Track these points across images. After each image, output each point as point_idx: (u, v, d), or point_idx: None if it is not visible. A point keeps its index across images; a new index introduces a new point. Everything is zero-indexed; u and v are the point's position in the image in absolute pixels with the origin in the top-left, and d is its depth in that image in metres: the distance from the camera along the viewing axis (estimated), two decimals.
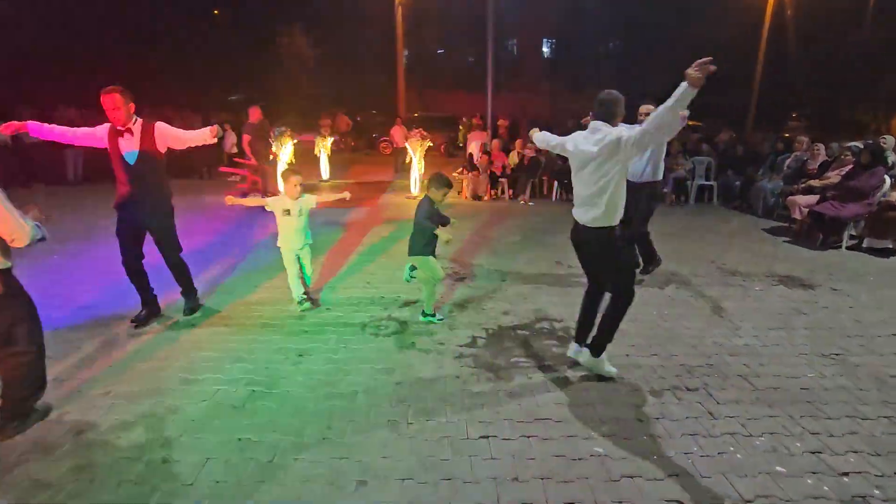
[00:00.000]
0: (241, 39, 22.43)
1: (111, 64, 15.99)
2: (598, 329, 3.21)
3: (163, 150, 3.60)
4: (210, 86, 21.23)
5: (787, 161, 8.53)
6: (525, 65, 26.76)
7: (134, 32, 19.22)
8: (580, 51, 27.24)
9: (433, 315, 4.02)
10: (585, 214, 3.05)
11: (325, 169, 11.72)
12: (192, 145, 3.70)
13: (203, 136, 3.66)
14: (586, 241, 3.14)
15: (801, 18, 20.52)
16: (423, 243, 3.81)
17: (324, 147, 11.51)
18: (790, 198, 7.27)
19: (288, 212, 4.02)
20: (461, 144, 14.49)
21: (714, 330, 3.94)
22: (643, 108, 4.57)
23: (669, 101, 2.49)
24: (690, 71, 2.38)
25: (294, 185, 4.00)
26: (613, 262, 3.14)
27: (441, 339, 3.75)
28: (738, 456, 2.48)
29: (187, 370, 3.23)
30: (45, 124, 3.41)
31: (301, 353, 3.49)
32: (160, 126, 3.57)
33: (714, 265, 5.63)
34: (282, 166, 9.53)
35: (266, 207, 4.06)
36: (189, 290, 4.10)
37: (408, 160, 9.81)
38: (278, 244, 4.12)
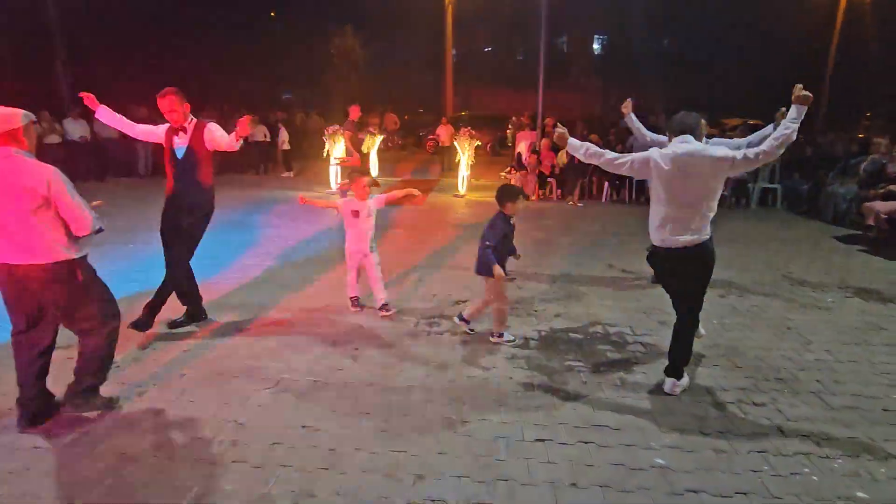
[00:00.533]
0: (295, 40, 23.15)
1: (169, 63, 16.92)
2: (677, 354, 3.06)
3: (210, 149, 3.60)
4: (264, 85, 22.05)
5: (863, 164, 7.98)
6: (575, 61, 26.22)
7: (192, 32, 20.12)
8: (633, 47, 26.44)
9: (501, 335, 3.67)
10: (682, 236, 2.84)
11: (374, 167, 11.92)
12: (225, 150, 3.67)
13: (229, 142, 3.58)
14: (686, 262, 2.90)
15: (877, 10, 19.09)
16: (486, 262, 3.47)
17: (372, 145, 11.72)
18: (867, 204, 6.80)
19: (357, 213, 3.97)
20: (510, 143, 14.37)
21: (781, 343, 3.75)
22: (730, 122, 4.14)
23: (793, 125, 2.63)
24: (802, 93, 2.65)
25: (363, 185, 3.96)
26: (705, 280, 2.99)
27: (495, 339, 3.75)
28: (814, 478, 2.36)
29: (252, 357, 3.38)
30: (115, 113, 3.61)
31: (356, 347, 3.58)
32: (210, 127, 3.60)
33: (779, 274, 5.35)
34: (334, 164, 9.81)
35: (337, 210, 4.06)
36: (157, 307, 3.65)
37: (456, 159, 9.84)
38: (346, 246, 4.11)
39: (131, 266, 5.24)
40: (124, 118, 3.66)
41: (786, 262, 5.76)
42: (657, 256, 3.04)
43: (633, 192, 9.61)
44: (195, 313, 3.90)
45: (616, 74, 25.58)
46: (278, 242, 6.34)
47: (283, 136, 12.73)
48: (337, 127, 9.80)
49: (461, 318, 3.78)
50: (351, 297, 4.22)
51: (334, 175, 9.88)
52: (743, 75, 23.21)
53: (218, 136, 3.60)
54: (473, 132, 9.56)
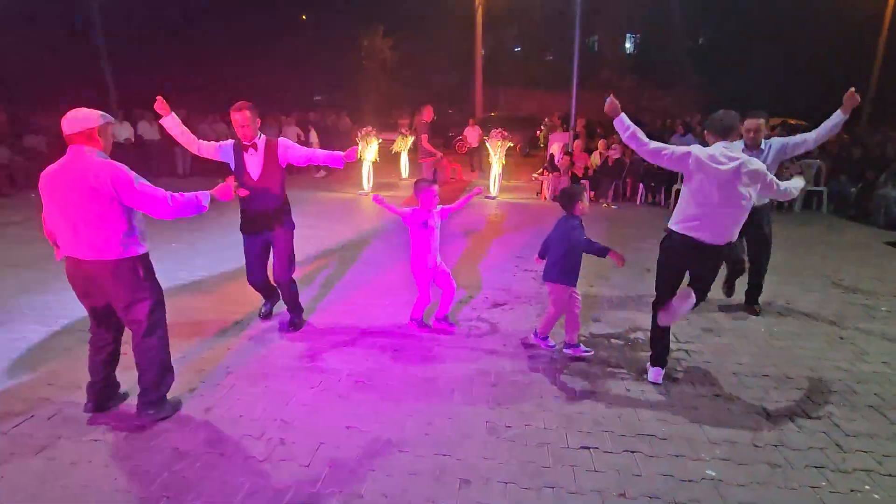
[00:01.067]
0: (325, 42, 23.52)
1: (203, 69, 17.43)
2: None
3: (284, 165, 3.63)
4: (296, 87, 22.46)
5: None
6: (606, 61, 25.80)
7: (224, 37, 20.62)
8: (666, 46, 25.84)
9: (577, 345, 3.52)
10: (722, 236, 2.93)
11: (404, 167, 12.01)
12: (319, 163, 3.74)
13: (333, 160, 3.65)
14: (713, 257, 3.03)
15: None
16: (569, 269, 3.41)
17: (404, 146, 11.80)
18: None
19: (426, 225, 3.64)
20: (542, 145, 14.26)
21: (834, 353, 3.61)
22: (751, 123, 3.86)
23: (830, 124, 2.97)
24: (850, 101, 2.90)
25: (434, 195, 3.63)
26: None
27: (533, 344, 3.72)
28: (876, 496, 2.26)
29: (294, 358, 3.44)
30: (182, 125, 3.59)
31: (396, 348, 3.61)
32: (283, 142, 3.61)
33: (829, 281, 5.14)
34: (367, 166, 9.91)
35: (404, 221, 3.68)
36: (296, 309, 3.90)
37: (489, 160, 9.81)
38: (411, 262, 3.77)
39: (175, 265, 5.40)
40: (188, 132, 3.62)
41: (835, 269, 5.53)
42: (680, 244, 3.02)
43: (669, 195, 9.40)
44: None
45: (649, 74, 25.06)
46: (315, 243, 6.43)
47: (313, 137, 12.93)
48: (370, 128, 9.90)
49: (538, 336, 3.64)
50: (415, 318, 3.91)
51: (366, 175, 9.97)
52: (782, 73, 22.41)
53: (299, 153, 3.62)
54: (506, 133, 9.50)
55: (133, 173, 2.49)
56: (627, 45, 29.02)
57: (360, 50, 22.92)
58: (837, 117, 3.68)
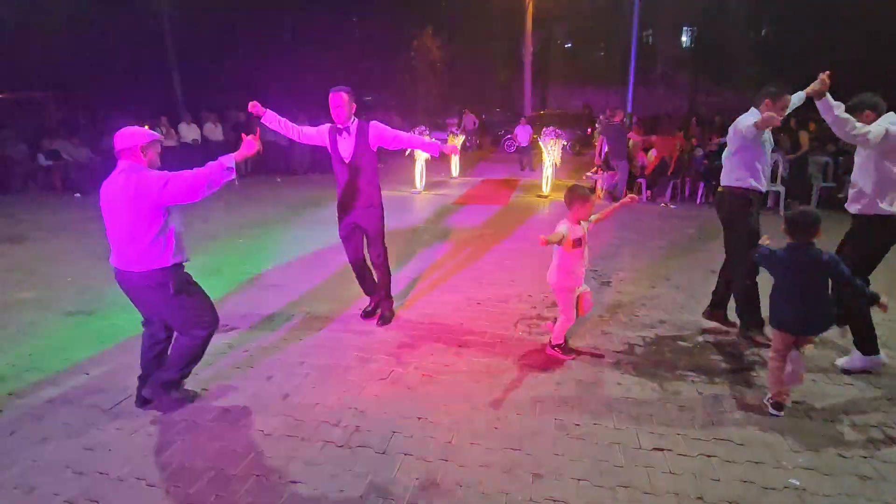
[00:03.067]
0: (375, 43, 23.95)
1: (260, 72, 18.15)
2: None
3: (375, 148, 3.70)
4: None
5: None
6: (661, 56, 24.96)
7: (280, 42, 21.39)
8: (724, 39, 24.67)
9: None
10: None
11: (454, 166, 12.10)
12: (414, 148, 3.82)
13: (429, 147, 3.82)
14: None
15: None
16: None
17: (455, 145, 11.89)
18: None
19: (579, 241, 3.24)
20: (596, 142, 13.97)
21: None
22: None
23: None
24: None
25: (591, 207, 3.30)
26: None
27: (596, 343, 3.70)
28: None
29: (364, 350, 3.57)
30: (280, 117, 3.65)
31: (461, 344, 3.67)
32: (375, 125, 3.68)
33: None
34: (420, 164, 10.05)
35: (560, 243, 3.19)
36: (387, 297, 4.01)
37: (541, 158, 9.73)
38: (555, 282, 3.34)
39: (241, 259, 5.68)
40: (288, 122, 3.71)
41: None
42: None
43: None
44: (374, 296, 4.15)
45: (706, 68, 24.03)
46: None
47: None
48: (423, 128, 10.03)
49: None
50: (558, 344, 3.44)
51: (419, 174, 10.11)
52: (849, 67, 20.85)
53: (391, 134, 3.71)
54: (559, 132, 9.40)
55: (160, 172, 2.60)
56: (684, 38, 27.92)
57: (411, 50, 23.19)
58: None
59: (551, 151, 9.43)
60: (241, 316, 4.14)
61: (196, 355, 2.86)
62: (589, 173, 10.24)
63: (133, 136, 2.60)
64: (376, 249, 3.90)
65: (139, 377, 2.91)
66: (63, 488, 2.30)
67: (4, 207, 8.73)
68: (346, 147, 3.64)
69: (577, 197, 3.25)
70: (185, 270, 2.78)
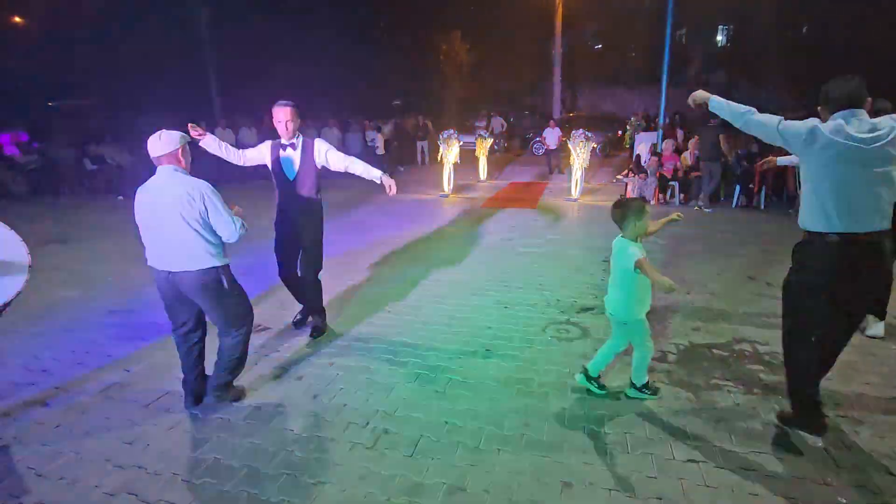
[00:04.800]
0: (403, 47, 24.17)
1: (293, 77, 18.56)
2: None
3: (319, 166, 3.63)
4: (375, 92, 23.28)
5: None
6: (696, 55, 24.31)
7: (310, 46, 21.76)
8: (762, 37, 23.83)
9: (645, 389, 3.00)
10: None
11: (482, 170, 12.08)
12: (354, 173, 3.70)
13: (369, 174, 3.70)
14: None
15: None
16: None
17: (483, 149, 11.87)
18: None
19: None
20: (628, 145, 13.73)
21: None
22: None
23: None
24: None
25: (660, 225, 3.06)
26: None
27: (627, 350, 3.60)
28: None
29: (391, 353, 3.59)
30: (221, 142, 3.55)
31: (488, 348, 3.65)
32: (320, 142, 3.62)
33: None
34: (448, 168, 10.08)
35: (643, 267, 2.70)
36: (317, 310, 3.93)
37: (570, 160, 9.61)
38: (636, 315, 2.96)
39: (272, 261, 5.79)
40: (229, 146, 3.61)
41: None
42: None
43: (768, 198, 8.72)
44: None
45: (742, 68, 23.27)
46: (400, 243, 6.65)
47: (378, 141, 13.26)
48: (452, 131, 10.05)
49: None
50: (644, 386, 3.04)
51: (447, 177, 10.12)
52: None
53: (335, 156, 3.62)
54: (589, 134, 9.26)
55: (218, 195, 2.69)
56: (719, 37, 27.15)
57: (439, 54, 23.32)
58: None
59: (581, 154, 9.30)
60: (272, 317, 4.22)
61: (243, 354, 2.96)
62: (619, 176, 10.06)
63: (173, 140, 2.65)
64: (312, 265, 3.80)
65: (184, 381, 2.97)
66: (104, 481, 2.38)
67: (53, 210, 9.17)
68: (290, 164, 3.54)
69: (642, 215, 2.82)
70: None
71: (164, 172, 2.65)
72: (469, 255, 6.02)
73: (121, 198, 10.01)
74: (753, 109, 2.52)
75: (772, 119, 2.46)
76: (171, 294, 2.76)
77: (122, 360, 3.54)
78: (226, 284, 2.76)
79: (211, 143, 3.52)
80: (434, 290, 4.84)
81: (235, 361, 2.94)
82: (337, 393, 3.10)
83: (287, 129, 3.45)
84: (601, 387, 3.06)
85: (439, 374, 3.28)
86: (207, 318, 2.92)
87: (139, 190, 2.69)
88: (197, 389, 2.97)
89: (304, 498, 2.26)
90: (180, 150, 2.68)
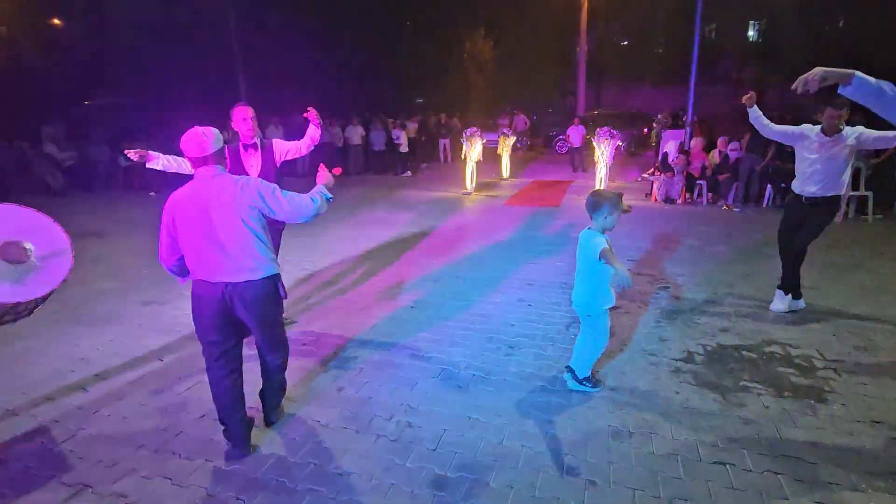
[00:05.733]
0: (427, 45, 24.20)
1: (320, 78, 18.81)
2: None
3: (279, 163, 3.67)
4: (398, 89, 23.40)
5: None
6: (726, 51, 23.72)
7: (336, 39, 21.95)
8: (795, 32, 23.05)
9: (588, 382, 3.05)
10: None
11: (505, 167, 12.04)
12: (307, 147, 3.72)
13: (311, 139, 3.74)
14: None
15: None
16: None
17: (506, 146, 11.84)
18: None
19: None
20: (654, 143, 13.50)
21: None
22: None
23: None
24: None
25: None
26: None
27: (652, 349, 3.58)
28: None
29: (414, 348, 3.63)
30: (166, 156, 3.43)
31: (511, 345, 3.65)
32: (277, 142, 3.69)
33: None
34: (471, 165, 10.08)
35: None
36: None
37: (595, 157, 9.51)
38: (601, 307, 2.92)
39: (299, 255, 5.90)
40: (176, 158, 3.43)
41: None
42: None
43: None
44: None
45: (775, 64, 22.58)
46: (423, 240, 6.69)
47: (403, 139, 13.32)
48: (475, 129, 10.05)
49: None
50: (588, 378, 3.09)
51: (469, 175, 10.13)
52: None
53: (289, 146, 3.69)
54: (614, 132, 9.15)
55: (271, 184, 2.49)
56: (750, 32, 26.41)
57: (463, 52, 23.29)
58: None
59: (605, 152, 9.19)
60: (299, 310, 4.31)
61: (285, 366, 2.73)
62: (645, 174, 9.91)
63: (217, 139, 2.37)
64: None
65: (226, 430, 2.55)
66: (140, 464, 2.48)
67: (89, 204, 9.51)
68: (252, 164, 3.54)
69: (612, 204, 2.78)
70: None
71: (209, 174, 2.35)
72: (492, 253, 6.02)
73: (153, 193, 10.33)
74: None
75: None
76: (220, 311, 2.40)
77: (156, 349, 3.67)
78: (282, 293, 2.55)
79: (158, 162, 3.42)
80: (456, 287, 4.86)
81: (283, 380, 2.75)
82: (362, 386, 3.15)
83: (251, 127, 3.48)
84: (595, 384, 3.07)
85: (462, 370, 3.31)
86: (259, 338, 2.57)
87: (179, 198, 2.35)
88: (245, 434, 2.55)
89: (330, 487, 2.31)
90: (224, 150, 2.44)
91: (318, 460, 2.48)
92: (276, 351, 2.63)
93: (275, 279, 2.49)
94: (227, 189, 2.33)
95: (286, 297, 2.61)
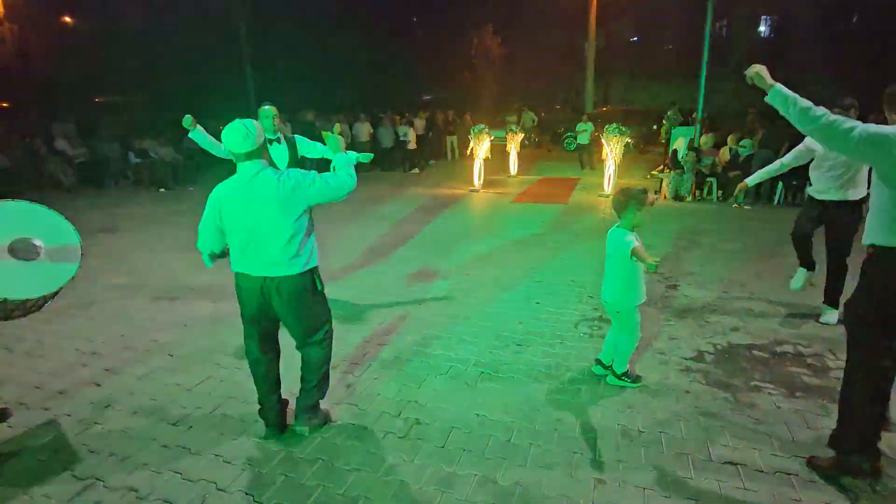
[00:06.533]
0: (434, 42, 24.17)
1: (326, 75, 18.84)
2: None
3: (299, 157, 3.94)
4: (405, 86, 23.39)
5: None
6: (737, 47, 23.47)
7: (342, 36, 21.95)
8: (808, 28, 22.74)
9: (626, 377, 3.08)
10: None
11: (513, 165, 11.99)
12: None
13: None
14: None
15: None
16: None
17: (514, 143, 11.78)
18: None
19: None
20: (664, 140, 13.39)
21: None
22: None
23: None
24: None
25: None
26: None
27: (662, 348, 3.55)
28: None
29: (422, 344, 3.63)
30: (207, 134, 3.77)
31: (519, 342, 3.64)
32: (300, 138, 3.97)
33: None
34: (478, 162, 10.05)
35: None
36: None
37: (604, 155, 9.44)
38: (632, 304, 2.97)
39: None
40: (212, 139, 3.76)
41: None
42: None
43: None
44: None
45: (787, 60, 22.29)
46: (432, 237, 6.69)
47: (411, 136, 13.29)
48: (483, 126, 10.01)
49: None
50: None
51: (477, 172, 10.10)
52: None
53: (308, 145, 3.96)
54: (623, 128, 9.07)
55: (306, 172, 2.48)
56: (762, 27, 26.10)
57: (471, 48, 23.24)
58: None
59: (614, 149, 9.12)
60: None
61: (328, 367, 2.71)
62: (654, 171, 9.83)
63: (260, 132, 2.34)
64: None
65: (261, 409, 2.66)
66: (151, 459, 2.50)
67: (100, 201, 9.60)
68: (279, 156, 3.80)
69: (638, 202, 2.87)
70: None
71: (253, 168, 2.32)
72: (499, 250, 6.01)
73: (162, 190, 10.40)
74: (827, 112, 2.04)
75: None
76: (258, 303, 2.46)
77: (166, 345, 3.69)
78: (319, 287, 2.56)
79: (199, 135, 3.76)
80: (464, 285, 4.85)
81: (324, 375, 2.67)
82: (370, 382, 3.16)
83: (274, 124, 3.74)
84: (635, 379, 3.08)
85: (469, 368, 3.30)
86: (298, 332, 2.59)
87: (224, 191, 2.39)
88: (279, 417, 2.66)
89: (338, 483, 2.32)
90: (266, 144, 2.45)
91: (326, 456, 2.49)
92: (312, 345, 2.61)
93: (312, 273, 2.51)
94: (269, 184, 2.33)
95: (322, 290, 2.59)
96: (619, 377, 3.07)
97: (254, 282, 2.42)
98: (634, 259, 2.77)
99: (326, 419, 2.75)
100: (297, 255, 2.41)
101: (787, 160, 3.99)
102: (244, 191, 2.34)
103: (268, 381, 2.62)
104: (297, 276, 2.43)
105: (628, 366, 3.08)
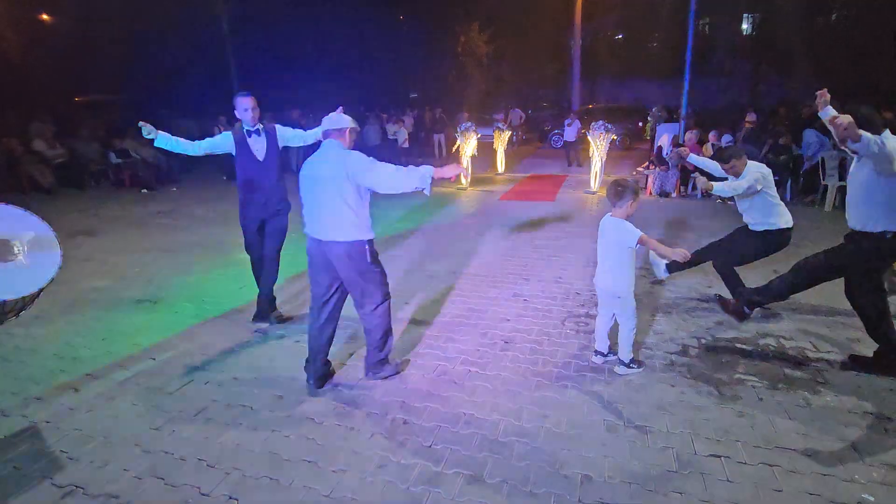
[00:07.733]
0: (421, 39, 24.05)
1: (310, 72, 18.69)
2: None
3: (281, 147, 3.85)
4: (392, 84, 23.28)
5: None
6: (719, 45, 23.73)
7: (329, 35, 21.78)
8: (789, 26, 23.06)
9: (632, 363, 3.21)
10: None
11: (501, 162, 12.01)
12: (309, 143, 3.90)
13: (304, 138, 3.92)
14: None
15: None
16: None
17: (501, 141, 11.80)
18: None
19: None
20: (649, 137, 13.50)
21: None
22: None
23: None
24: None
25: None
26: None
27: (647, 343, 3.58)
28: None
29: (410, 343, 3.61)
30: (173, 137, 3.61)
31: (506, 340, 3.64)
32: (279, 127, 3.87)
33: None
34: (466, 160, 10.04)
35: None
36: (267, 294, 3.97)
37: (590, 152, 9.50)
38: (632, 289, 3.12)
39: (297, 252, 5.86)
40: (181, 140, 3.66)
41: None
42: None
43: (796, 190, 8.49)
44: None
45: (769, 58, 22.62)
46: (418, 236, 6.67)
47: (403, 136, 13.23)
48: (470, 124, 10.00)
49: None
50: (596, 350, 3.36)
51: (464, 170, 10.09)
52: None
53: (293, 134, 3.90)
54: (609, 126, 9.13)
55: (369, 159, 2.81)
56: (744, 25, 26.42)
57: (457, 46, 23.18)
58: None
59: (600, 146, 9.18)
60: (294, 307, 4.28)
61: (388, 327, 3.08)
62: (640, 168, 9.91)
63: (340, 121, 2.90)
64: (277, 245, 3.91)
65: (307, 363, 3.08)
66: (132, 464, 2.46)
67: (80, 202, 9.41)
68: (259, 147, 3.73)
69: (634, 192, 3.05)
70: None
71: (327, 145, 2.87)
72: (487, 248, 6.01)
73: (144, 191, 10.23)
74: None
75: None
76: (319, 260, 2.90)
77: (148, 349, 3.63)
78: (369, 258, 2.87)
79: (165, 140, 3.60)
80: (451, 283, 4.84)
81: (384, 335, 3.06)
82: (356, 383, 3.13)
83: (252, 116, 3.68)
84: (639, 364, 3.24)
85: (457, 366, 3.29)
86: (352, 297, 2.99)
87: (305, 162, 2.91)
88: (321, 372, 3.08)
89: (324, 485, 2.30)
90: (347, 131, 2.90)
91: (311, 457, 2.47)
92: (365, 307, 2.97)
93: (361, 244, 2.84)
94: (333, 160, 2.77)
95: (372, 262, 2.91)
96: (628, 365, 3.18)
97: (313, 242, 2.92)
98: (638, 246, 2.94)
99: (398, 370, 3.22)
100: (345, 227, 2.80)
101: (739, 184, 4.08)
102: (315, 164, 2.85)
103: (320, 338, 3.04)
104: (343, 243, 2.82)
105: (633, 352, 3.22)
